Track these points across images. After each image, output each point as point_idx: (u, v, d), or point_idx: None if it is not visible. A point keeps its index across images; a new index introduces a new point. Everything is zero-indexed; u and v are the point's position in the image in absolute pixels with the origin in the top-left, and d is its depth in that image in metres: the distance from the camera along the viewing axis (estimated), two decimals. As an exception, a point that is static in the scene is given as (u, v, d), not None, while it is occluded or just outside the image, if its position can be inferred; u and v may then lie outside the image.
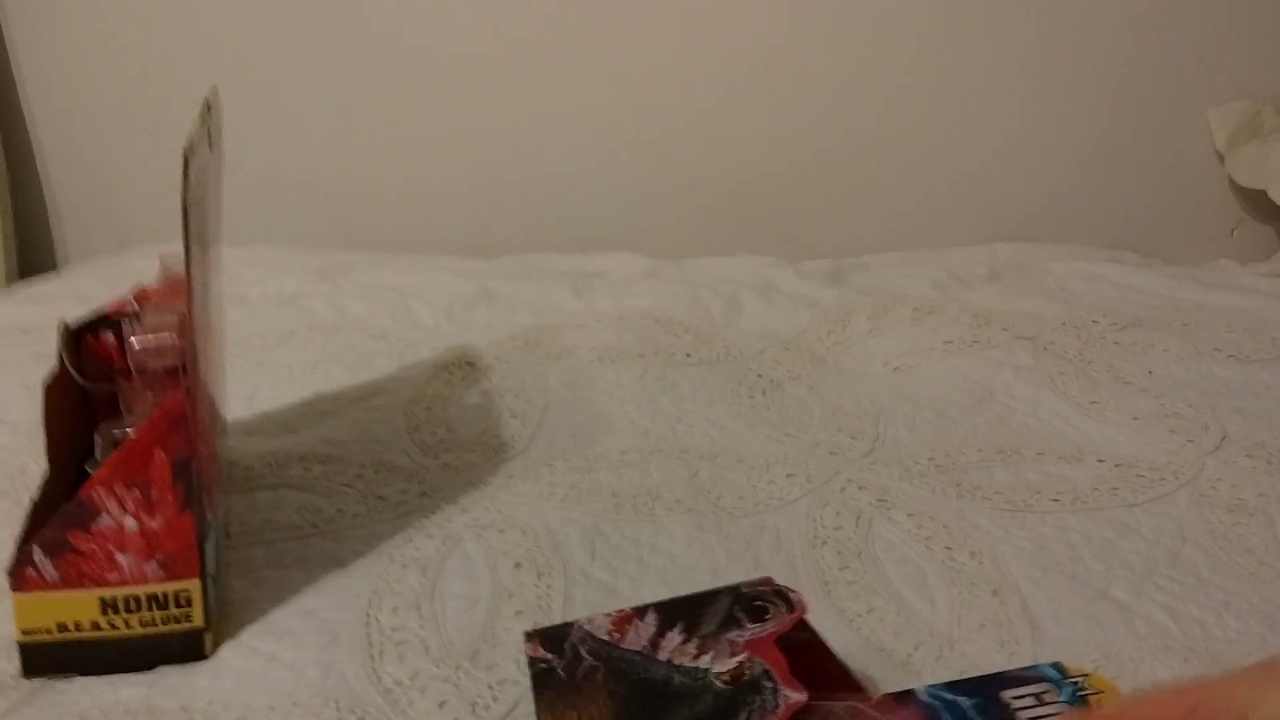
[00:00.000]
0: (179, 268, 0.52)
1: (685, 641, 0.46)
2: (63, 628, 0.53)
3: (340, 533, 0.67)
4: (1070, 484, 0.74)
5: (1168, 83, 1.26)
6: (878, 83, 1.26)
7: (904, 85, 1.26)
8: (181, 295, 0.54)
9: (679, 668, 0.44)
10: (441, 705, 0.52)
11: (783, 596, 0.48)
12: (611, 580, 0.63)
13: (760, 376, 0.91)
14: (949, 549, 0.66)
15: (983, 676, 0.43)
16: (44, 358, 0.88)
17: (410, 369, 0.91)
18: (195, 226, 0.52)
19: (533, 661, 0.46)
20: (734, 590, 0.49)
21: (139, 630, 0.54)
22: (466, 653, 0.56)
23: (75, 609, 0.53)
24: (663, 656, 0.45)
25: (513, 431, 0.81)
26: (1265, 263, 1.24)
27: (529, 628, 0.50)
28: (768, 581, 0.50)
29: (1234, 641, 0.58)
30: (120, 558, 0.53)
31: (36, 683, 0.54)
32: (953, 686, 0.42)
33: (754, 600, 0.48)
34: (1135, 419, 0.83)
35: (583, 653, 0.46)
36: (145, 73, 1.24)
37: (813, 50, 1.24)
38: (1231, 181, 1.29)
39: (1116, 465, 0.76)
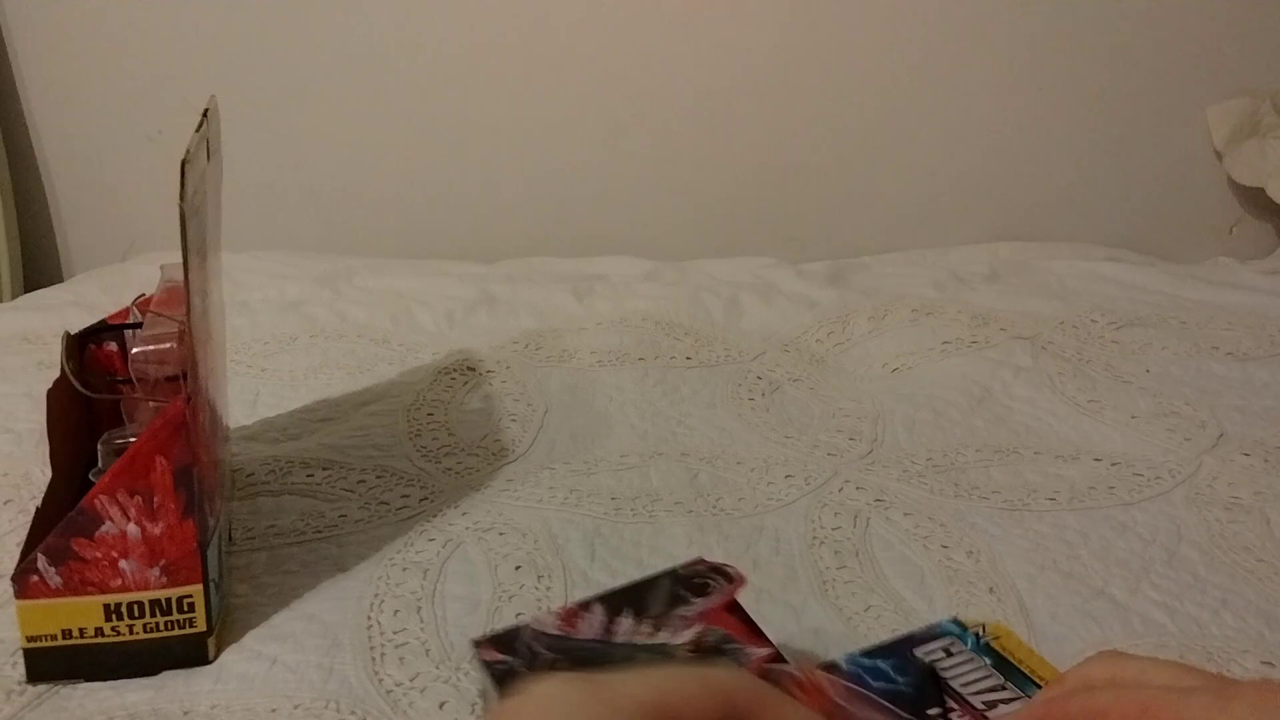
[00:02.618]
0: (179, 276, 0.53)
1: (638, 624, 0.46)
2: (67, 634, 0.54)
3: (342, 537, 0.68)
4: (1067, 483, 0.74)
5: (1166, 81, 1.27)
6: (878, 83, 1.26)
7: (904, 85, 1.26)
8: (182, 303, 0.54)
9: (640, 646, 0.45)
10: (441, 706, 0.53)
11: (719, 572, 0.49)
12: (610, 582, 0.63)
13: (760, 379, 0.91)
14: (946, 548, 0.66)
15: (893, 640, 0.45)
16: (48, 366, 0.90)
17: (411, 374, 0.92)
18: (194, 235, 0.52)
19: (489, 665, 0.46)
20: (670, 574, 0.50)
21: (142, 636, 0.55)
22: (467, 654, 0.57)
23: (79, 615, 0.54)
24: (620, 640, 0.46)
25: (513, 435, 0.81)
26: (1264, 260, 1.24)
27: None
28: (700, 561, 0.51)
29: (1231, 639, 0.59)
30: (123, 564, 0.53)
31: (41, 688, 0.54)
32: (869, 653, 0.44)
33: (692, 579, 0.49)
34: (1133, 418, 0.83)
35: (539, 649, 0.46)
36: (148, 80, 1.25)
37: (812, 51, 1.24)
38: (1230, 179, 1.29)
39: (1113, 464, 0.76)
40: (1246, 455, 0.77)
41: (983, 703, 0.41)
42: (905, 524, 0.69)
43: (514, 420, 0.84)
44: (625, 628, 0.46)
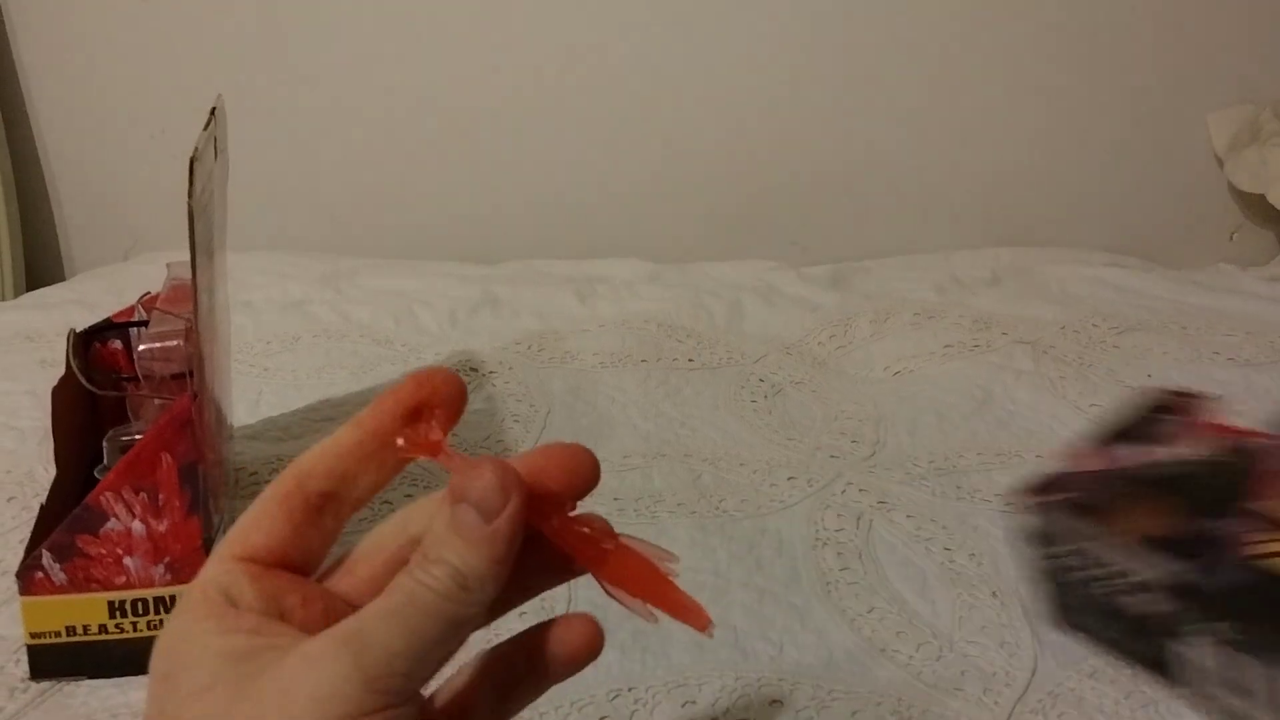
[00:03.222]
0: (185, 274, 0.53)
1: (1135, 448, 0.46)
2: (71, 630, 0.54)
3: (345, 536, 0.67)
4: (1070, 486, 0.74)
5: (1167, 88, 1.27)
6: (880, 88, 1.26)
7: (906, 91, 1.26)
8: (188, 301, 0.54)
9: (1167, 463, 0.44)
10: (446, 706, 0.53)
11: (1182, 395, 0.48)
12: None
13: (762, 381, 0.92)
14: (949, 550, 0.66)
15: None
16: (51, 364, 0.89)
17: (414, 374, 0.91)
18: (201, 233, 0.52)
19: (1058, 504, 0.45)
20: (1133, 413, 0.48)
21: (146, 633, 0.55)
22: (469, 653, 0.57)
23: (83, 612, 0.54)
24: (1149, 459, 0.45)
25: (516, 436, 0.82)
26: (1265, 267, 1.24)
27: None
28: (1161, 394, 0.49)
29: (1232, 642, 0.59)
30: (128, 561, 0.53)
31: (45, 685, 0.54)
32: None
33: (1155, 407, 0.48)
34: (1135, 422, 0.83)
35: (1086, 484, 0.45)
36: (150, 80, 1.25)
37: (815, 56, 1.25)
38: (1231, 186, 1.29)
39: (1116, 468, 0.77)
40: (1248, 460, 0.78)
41: None
42: (908, 526, 0.69)
43: (517, 421, 0.84)
44: (1128, 454, 0.45)
